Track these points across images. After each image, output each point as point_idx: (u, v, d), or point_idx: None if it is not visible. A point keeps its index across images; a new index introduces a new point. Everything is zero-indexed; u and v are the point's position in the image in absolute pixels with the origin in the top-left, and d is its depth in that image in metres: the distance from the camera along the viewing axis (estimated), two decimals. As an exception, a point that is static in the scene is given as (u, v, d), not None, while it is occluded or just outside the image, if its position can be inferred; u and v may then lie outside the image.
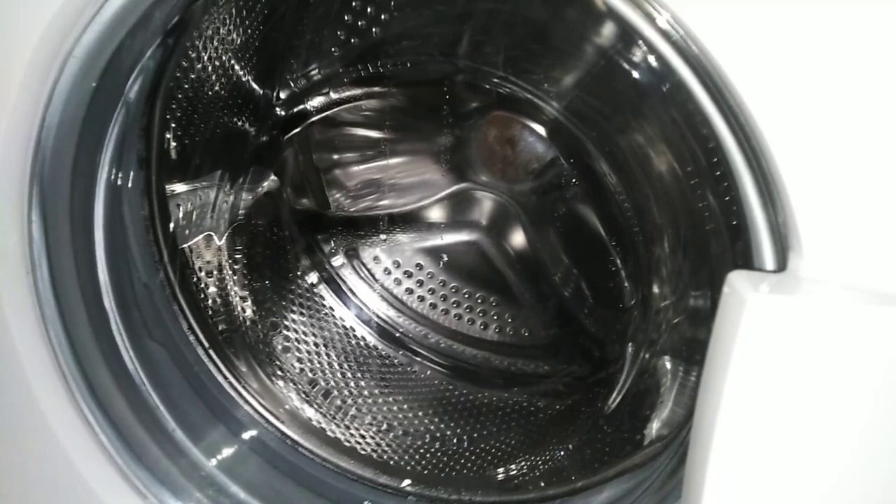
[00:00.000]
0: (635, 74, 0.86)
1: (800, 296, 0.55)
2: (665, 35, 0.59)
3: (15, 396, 0.88)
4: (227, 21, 1.02)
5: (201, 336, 1.05)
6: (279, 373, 1.21)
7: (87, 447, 0.89)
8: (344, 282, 1.42)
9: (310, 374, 1.27)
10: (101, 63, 0.80)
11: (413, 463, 1.17)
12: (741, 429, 0.56)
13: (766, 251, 0.60)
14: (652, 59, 0.68)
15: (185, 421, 0.98)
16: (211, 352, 1.06)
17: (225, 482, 0.99)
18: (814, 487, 0.57)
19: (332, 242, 1.43)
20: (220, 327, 1.12)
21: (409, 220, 1.42)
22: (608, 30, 0.91)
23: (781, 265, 0.59)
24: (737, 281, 0.57)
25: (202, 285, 1.13)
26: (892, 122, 0.53)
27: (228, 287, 1.19)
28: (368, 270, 1.43)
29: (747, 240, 0.62)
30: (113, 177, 0.91)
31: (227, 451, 1.03)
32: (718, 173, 0.71)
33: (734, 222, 0.67)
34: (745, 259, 0.62)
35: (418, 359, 1.39)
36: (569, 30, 1.04)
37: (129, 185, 0.95)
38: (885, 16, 0.53)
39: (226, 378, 1.07)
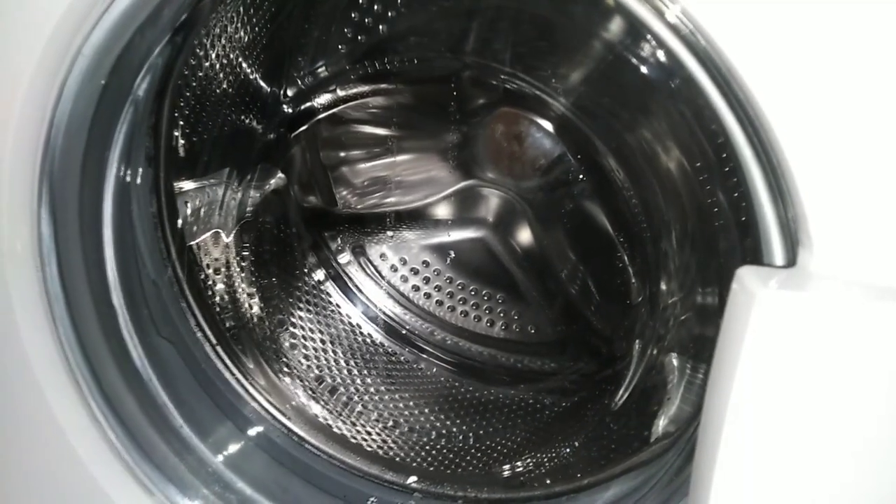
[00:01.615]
0: (644, 69, 0.86)
1: (810, 292, 0.55)
2: (674, 29, 0.59)
3: (24, 393, 0.88)
4: (235, 19, 1.02)
5: (209, 333, 1.05)
6: (286, 369, 1.21)
7: (95, 444, 0.90)
8: (350, 279, 1.42)
9: (316, 371, 1.27)
10: (110, 61, 0.80)
11: (419, 460, 1.17)
12: (750, 426, 0.56)
13: (776, 247, 0.60)
14: (661, 54, 0.67)
15: (192, 417, 0.99)
16: (218, 348, 1.06)
17: (231, 478, 0.99)
18: (824, 485, 0.57)
19: (339, 239, 1.43)
20: (227, 324, 1.12)
21: (416, 217, 1.42)
22: (616, 25, 0.91)
23: (791, 261, 0.59)
24: (746, 276, 0.57)
25: (210, 282, 1.13)
26: (903, 116, 0.53)
27: (236, 284, 1.20)
28: (375, 267, 1.43)
29: (756, 235, 0.61)
30: (122, 174, 0.92)
31: (233, 448, 1.03)
32: (727, 169, 0.71)
33: (743, 218, 0.66)
34: (755, 255, 0.62)
35: (424, 356, 1.40)
36: (576, 25, 1.04)
37: (138, 182, 0.95)
38: (896, 9, 0.52)
39: (233, 374, 1.07)
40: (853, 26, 0.53)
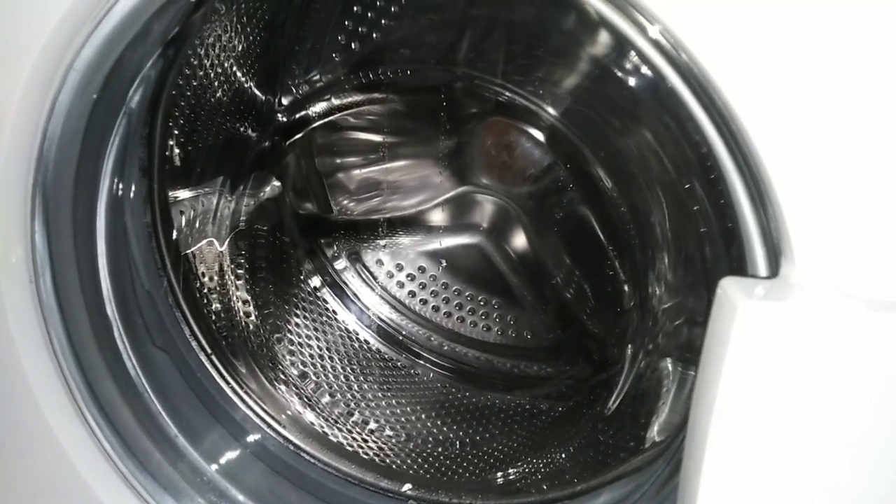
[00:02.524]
0: (629, 82, 0.86)
1: (790, 302, 0.55)
2: (656, 45, 0.60)
3: (19, 404, 0.88)
4: (229, 28, 1.03)
5: (203, 342, 1.05)
6: (281, 377, 1.22)
7: (90, 454, 0.90)
8: (347, 285, 1.42)
9: (312, 379, 1.27)
10: (102, 75, 0.80)
11: (415, 467, 1.18)
12: (734, 436, 0.56)
13: (759, 257, 0.60)
14: (644, 68, 0.68)
15: (187, 427, 0.99)
16: (213, 357, 1.06)
17: (227, 487, 0.99)
18: (807, 492, 0.57)
19: (335, 246, 1.43)
20: (222, 333, 1.12)
21: (412, 224, 1.43)
22: (602, 40, 0.92)
23: (774, 271, 0.59)
24: (729, 287, 0.58)
25: (205, 291, 1.13)
26: (879, 127, 0.54)
27: (231, 292, 1.20)
28: (371, 274, 1.44)
29: (740, 245, 0.62)
30: (115, 186, 0.92)
31: (229, 457, 1.03)
32: (713, 177, 0.71)
33: (729, 224, 0.67)
34: (739, 264, 0.63)
35: (421, 361, 1.40)
36: (565, 39, 1.05)
37: (132, 194, 0.95)
38: (872, 21, 0.53)
39: (228, 383, 1.07)
40: (829, 41, 0.54)
